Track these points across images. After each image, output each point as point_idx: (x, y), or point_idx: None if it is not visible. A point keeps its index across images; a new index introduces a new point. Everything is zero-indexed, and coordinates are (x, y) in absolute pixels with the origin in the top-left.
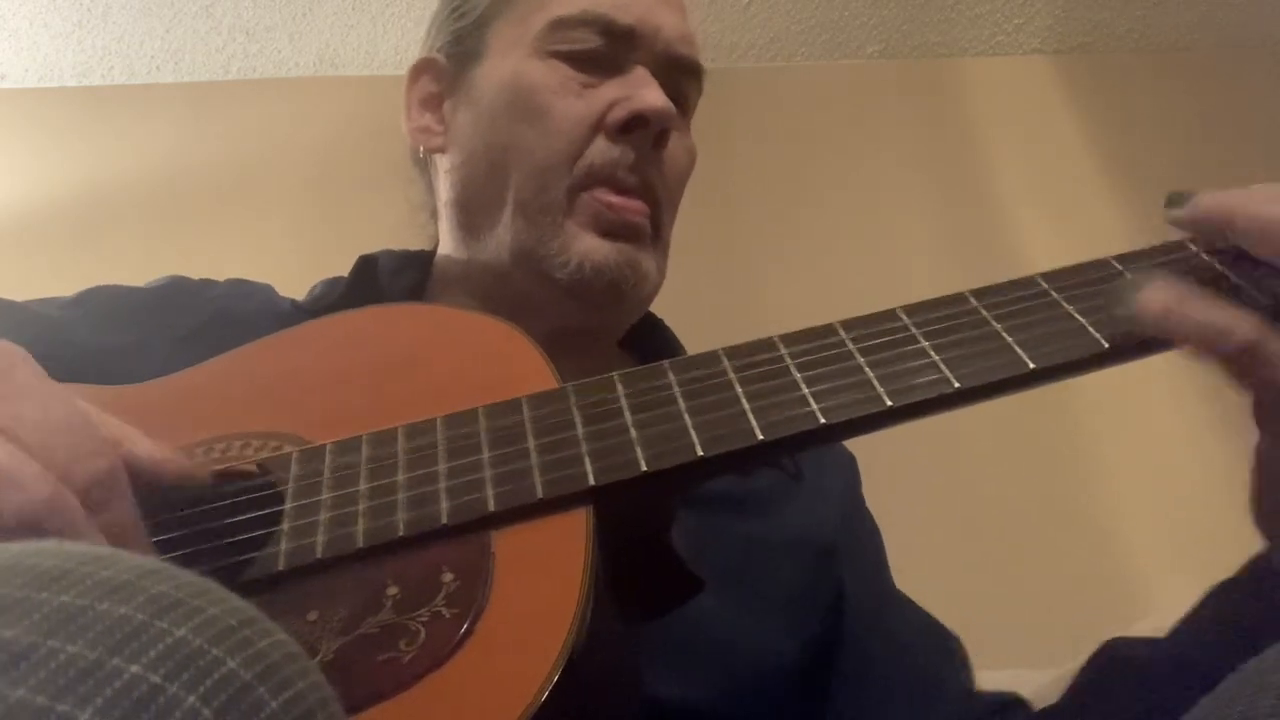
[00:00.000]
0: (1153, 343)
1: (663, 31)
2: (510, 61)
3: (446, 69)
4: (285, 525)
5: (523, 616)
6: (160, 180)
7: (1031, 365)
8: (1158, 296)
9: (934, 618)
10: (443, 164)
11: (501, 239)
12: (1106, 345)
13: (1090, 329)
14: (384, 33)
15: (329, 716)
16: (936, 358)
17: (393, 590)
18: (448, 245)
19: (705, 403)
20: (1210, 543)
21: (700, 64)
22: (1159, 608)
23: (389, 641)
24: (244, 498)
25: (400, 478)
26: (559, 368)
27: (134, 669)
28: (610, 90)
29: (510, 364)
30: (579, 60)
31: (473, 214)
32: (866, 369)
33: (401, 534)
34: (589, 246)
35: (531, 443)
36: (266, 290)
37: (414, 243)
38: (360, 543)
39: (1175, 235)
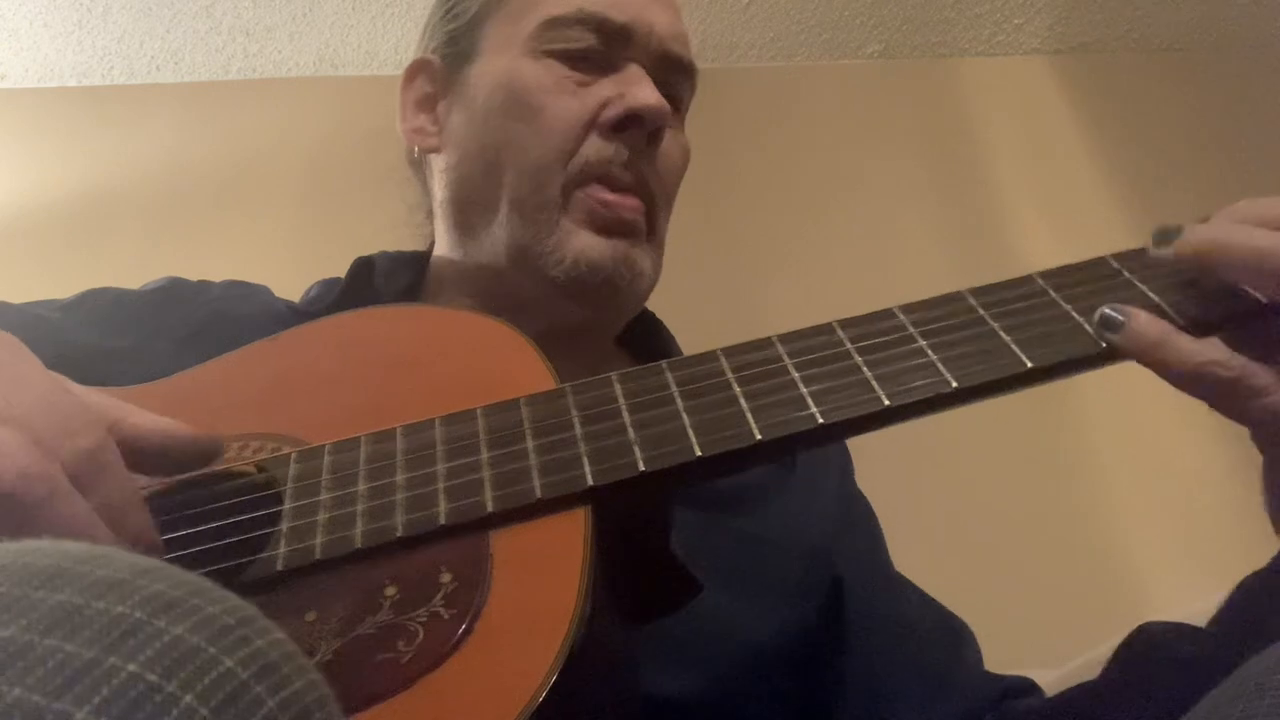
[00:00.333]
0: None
1: (656, 30)
2: (504, 61)
3: (441, 69)
4: (284, 526)
5: (521, 617)
6: (160, 180)
7: (1029, 364)
8: (1148, 331)
9: (940, 605)
10: (438, 164)
11: (497, 238)
12: (1105, 344)
13: (1088, 328)
14: (384, 33)
15: (326, 716)
16: (934, 357)
17: (391, 591)
18: (443, 245)
19: (703, 403)
20: (1211, 543)
21: (693, 62)
22: (1159, 608)
23: (387, 642)
24: (243, 499)
25: (399, 478)
26: (556, 367)
27: (130, 667)
28: (604, 88)
29: (508, 364)
30: (573, 59)
31: (468, 213)
32: (864, 369)
33: (400, 535)
34: (584, 244)
35: (530, 443)
36: (264, 292)
37: (413, 243)
38: (359, 544)
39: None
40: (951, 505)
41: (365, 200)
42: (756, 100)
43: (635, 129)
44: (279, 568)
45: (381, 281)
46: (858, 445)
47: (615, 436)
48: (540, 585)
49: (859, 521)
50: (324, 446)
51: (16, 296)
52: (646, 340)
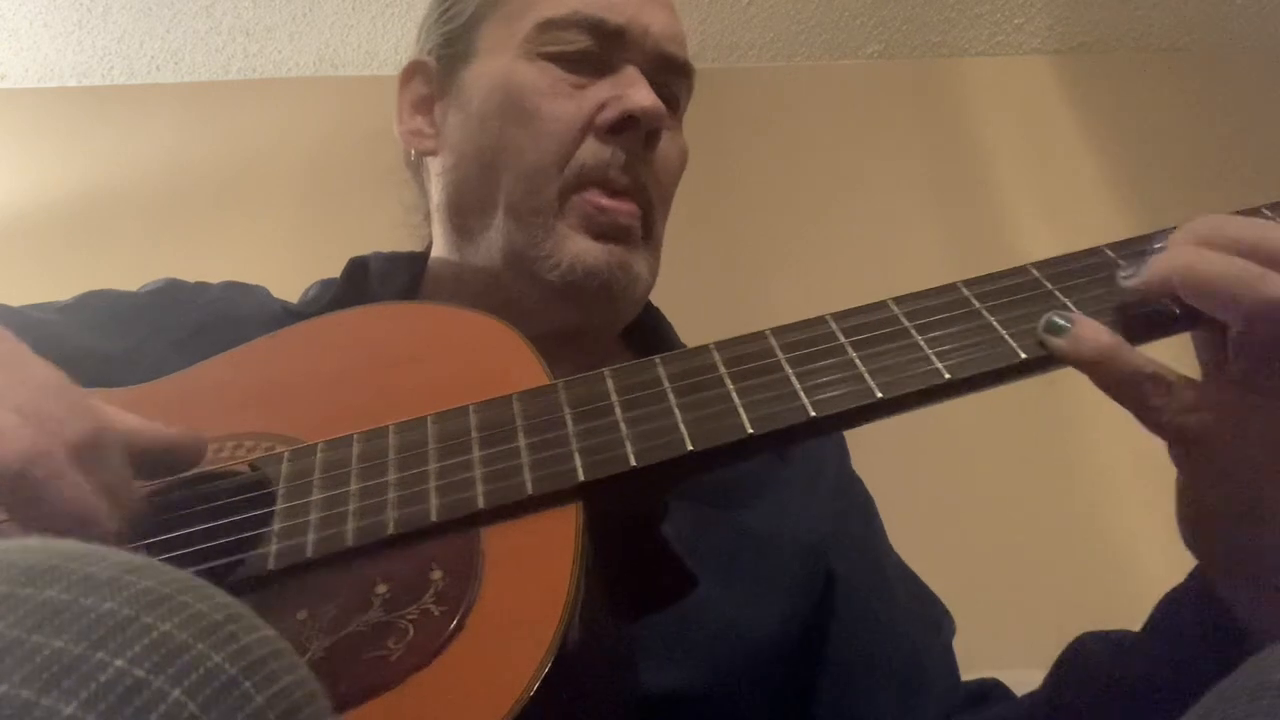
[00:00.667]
0: (1151, 329)
1: (652, 31)
2: (500, 63)
3: (437, 71)
4: (276, 525)
5: (512, 613)
6: (160, 180)
7: (1024, 355)
8: (1097, 339)
9: (929, 596)
10: (434, 167)
11: (493, 241)
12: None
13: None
14: (384, 33)
15: (316, 711)
16: (928, 349)
17: (381, 588)
18: (440, 248)
19: (696, 398)
20: None
21: (690, 63)
22: None
23: (378, 639)
24: (235, 498)
25: (390, 476)
26: (556, 368)
27: (118, 663)
28: (600, 91)
29: (502, 361)
30: (569, 61)
31: (464, 216)
32: (858, 362)
33: (391, 532)
34: (580, 248)
35: (522, 440)
36: (262, 293)
37: (411, 244)
38: (350, 541)
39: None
40: (948, 501)
41: (365, 201)
42: (756, 100)
43: (631, 131)
44: (270, 566)
45: (377, 282)
46: (854, 438)
47: (607, 433)
48: (531, 581)
49: (854, 509)
50: (316, 445)
51: (16, 297)
52: (649, 335)
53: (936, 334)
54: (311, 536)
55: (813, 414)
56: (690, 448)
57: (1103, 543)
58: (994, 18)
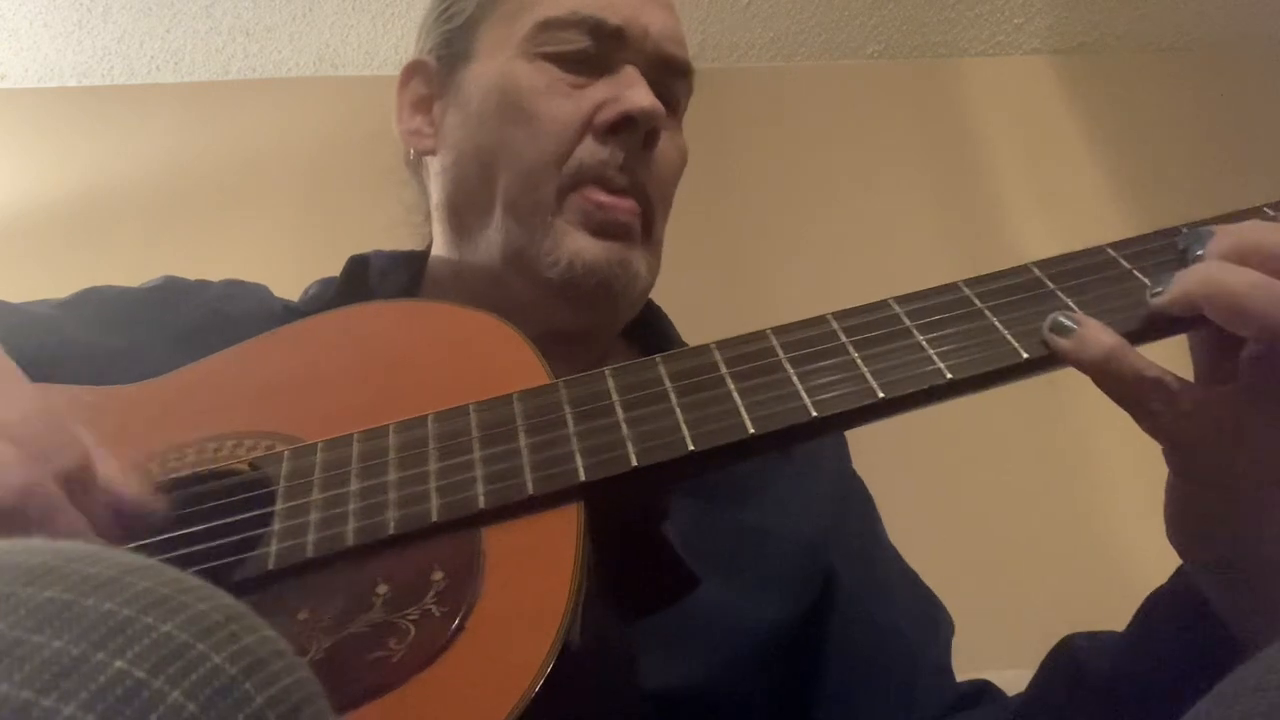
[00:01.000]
0: (1151, 330)
1: (651, 31)
2: (499, 63)
3: (436, 71)
4: (276, 525)
5: (513, 613)
6: (160, 180)
7: (1026, 355)
8: (1101, 340)
9: (928, 595)
10: (434, 166)
11: (492, 240)
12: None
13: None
14: (384, 33)
15: (316, 712)
16: (930, 349)
17: (382, 589)
18: (440, 247)
19: (697, 398)
20: None
21: (690, 63)
22: None
23: (379, 640)
24: (236, 497)
25: (391, 476)
26: (556, 367)
27: (119, 664)
28: (599, 91)
29: (502, 360)
30: (567, 61)
31: (463, 215)
32: (859, 362)
33: (392, 532)
34: (579, 245)
35: (522, 440)
36: (262, 291)
37: (412, 243)
38: (350, 541)
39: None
40: (950, 504)
41: (365, 200)
42: (756, 100)
43: (630, 132)
44: (270, 566)
45: (377, 280)
46: (853, 437)
47: (608, 432)
48: (533, 581)
49: (854, 508)
50: (316, 444)
51: (16, 296)
52: (650, 333)
53: (938, 334)
54: (312, 536)
55: (814, 414)
56: (691, 448)
57: (1100, 543)
58: (994, 18)
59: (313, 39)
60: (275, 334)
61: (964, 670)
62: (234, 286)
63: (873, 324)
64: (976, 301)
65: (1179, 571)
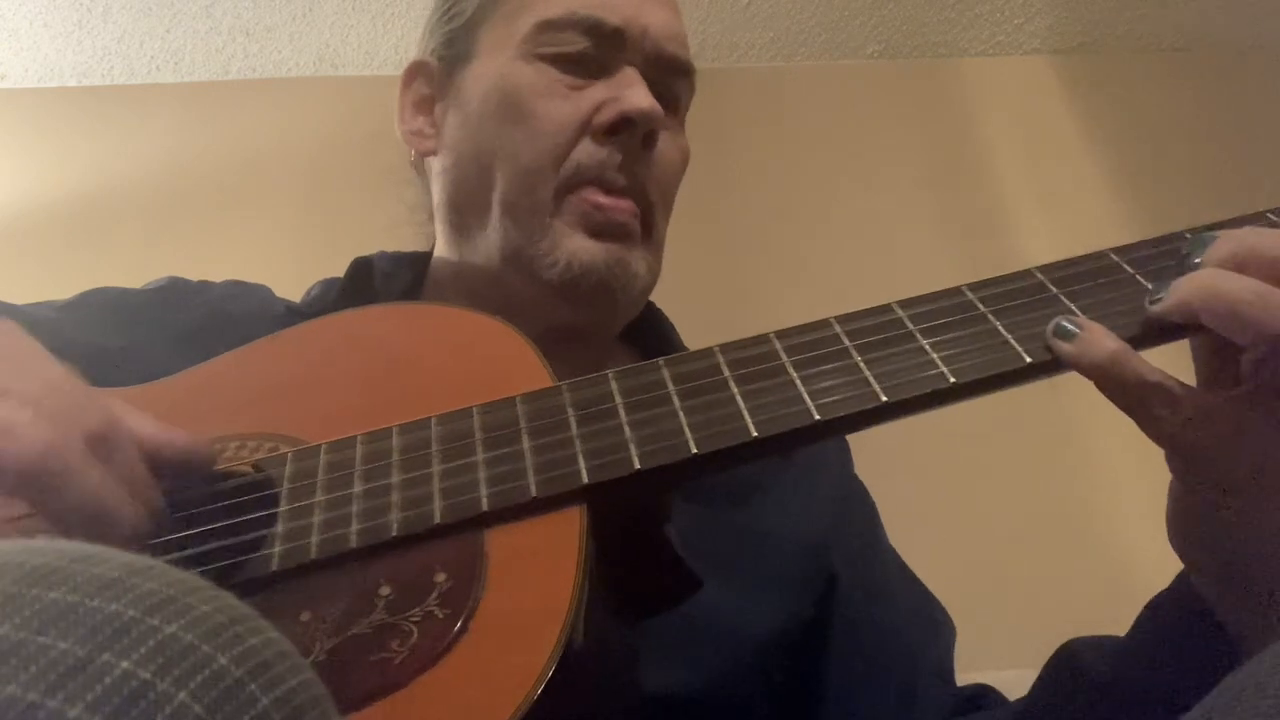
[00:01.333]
0: (1154, 335)
1: (651, 31)
2: (498, 64)
3: (438, 72)
4: (280, 526)
5: (515, 615)
6: (160, 180)
7: (1028, 359)
8: (1104, 345)
9: (929, 599)
10: (435, 166)
11: (491, 240)
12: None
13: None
14: (384, 33)
15: (321, 714)
16: (933, 353)
17: (385, 590)
18: (442, 247)
19: (700, 401)
20: None
21: (691, 63)
22: None
23: (381, 642)
24: (239, 499)
25: (394, 478)
26: (557, 368)
27: (124, 665)
28: (597, 92)
29: (505, 362)
30: (566, 62)
31: (463, 216)
32: (862, 366)
33: (395, 534)
34: (577, 246)
35: (525, 442)
36: (264, 292)
37: (414, 243)
38: (353, 543)
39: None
40: (950, 504)
41: (365, 200)
42: (756, 100)
43: (628, 133)
44: (274, 567)
45: (380, 282)
46: (854, 440)
47: (611, 435)
48: (535, 584)
49: (856, 511)
50: (320, 446)
51: (16, 296)
52: (651, 335)
53: (941, 338)
54: (315, 538)
55: (817, 417)
56: (694, 451)
57: (1100, 544)
58: (994, 18)
59: (313, 39)
60: (279, 336)
61: (964, 670)
62: (236, 287)
63: (876, 327)
64: (979, 305)
65: (1181, 576)
